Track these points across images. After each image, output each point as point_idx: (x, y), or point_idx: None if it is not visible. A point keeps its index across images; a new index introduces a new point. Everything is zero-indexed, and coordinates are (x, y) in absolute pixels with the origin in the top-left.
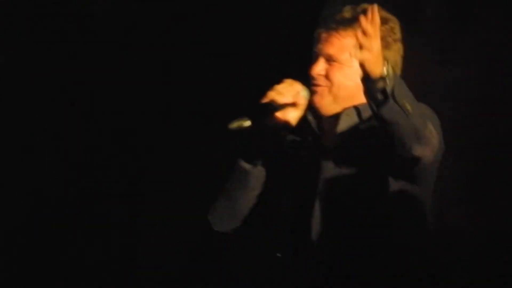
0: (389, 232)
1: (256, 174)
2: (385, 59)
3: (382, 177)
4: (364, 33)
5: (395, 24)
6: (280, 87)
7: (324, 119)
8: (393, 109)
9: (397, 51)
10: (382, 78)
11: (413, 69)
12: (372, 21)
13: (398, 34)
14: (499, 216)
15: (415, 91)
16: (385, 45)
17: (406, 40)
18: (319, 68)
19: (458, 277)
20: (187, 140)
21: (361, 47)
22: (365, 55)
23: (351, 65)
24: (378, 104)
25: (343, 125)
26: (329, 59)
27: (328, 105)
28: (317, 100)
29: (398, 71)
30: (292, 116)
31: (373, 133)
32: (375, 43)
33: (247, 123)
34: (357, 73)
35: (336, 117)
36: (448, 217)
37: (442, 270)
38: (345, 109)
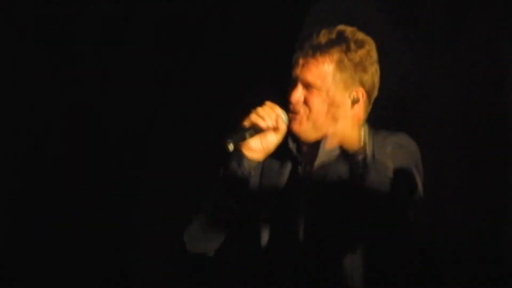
0: (373, 255)
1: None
2: (362, 83)
3: (362, 205)
4: None
5: (371, 46)
6: (261, 111)
7: (304, 145)
8: (378, 173)
9: (374, 73)
10: (360, 151)
11: (410, 70)
12: None
13: (374, 57)
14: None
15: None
16: (362, 68)
17: (404, 41)
18: (298, 94)
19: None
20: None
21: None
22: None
23: (329, 91)
24: (361, 174)
25: (323, 152)
26: (308, 86)
27: (307, 131)
28: (296, 126)
29: (376, 93)
30: (271, 140)
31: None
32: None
33: (231, 146)
34: (336, 100)
35: (316, 144)
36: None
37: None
38: (324, 136)
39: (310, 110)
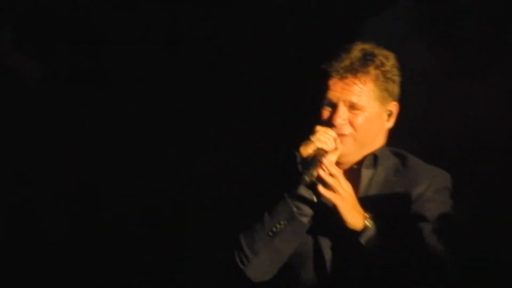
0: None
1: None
2: (394, 96)
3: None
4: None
5: (393, 58)
6: (321, 135)
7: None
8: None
9: (399, 84)
10: (361, 231)
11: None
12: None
13: (397, 68)
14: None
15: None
16: (393, 81)
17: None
18: (343, 116)
19: None
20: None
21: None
22: (336, 200)
23: (372, 111)
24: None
25: (365, 179)
26: (352, 107)
27: (353, 154)
28: (344, 149)
29: (397, 100)
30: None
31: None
32: (342, 189)
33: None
34: (377, 116)
35: (357, 170)
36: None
37: None
38: (364, 159)
39: (356, 131)
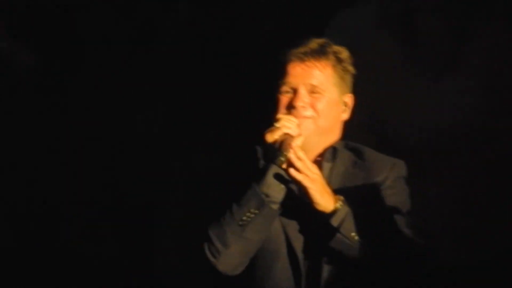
0: None
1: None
2: (349, 87)
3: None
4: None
5: (347, 51)
6: (286, 121)
7: None
8: (340, 242)
9: (352, 76)
10: (332, 213)
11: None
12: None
13: (350, 67)
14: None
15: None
16: (349, 72)
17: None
18: (304, 100)
19: None
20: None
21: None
22: (306, 182)
23: (331, 96)
24: (325, 236)
25: (326, 171)
26: (312, 91)
27: (313, 140)
28: (304, 131)
29: (351, 93)
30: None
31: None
32: (311, 172)
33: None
34: (336, 103)
35: (319, 163)
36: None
37: None
38: (325, 152)
39: (317, 114)
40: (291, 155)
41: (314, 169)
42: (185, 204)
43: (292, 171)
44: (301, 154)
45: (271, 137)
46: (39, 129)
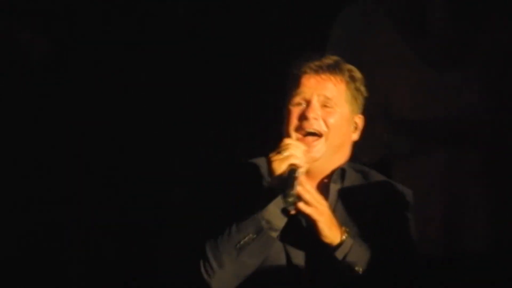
0: None
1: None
2: (360, 109)
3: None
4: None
5: (360, 74)
6: (293, 150)
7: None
8: (343, 274)
9: (364, 98)
10: (338, 246)
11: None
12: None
13: (362, 87)
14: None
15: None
16: (361, 93)
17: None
18: (317, 111)
19: None
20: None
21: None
22: (315, 215)
23: (343, 112)
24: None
25: (333, 193)
26: (325, 104)
27: (323, 160)
28: (315, 153)
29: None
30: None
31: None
32: (319, 204)
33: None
34: (347, 121)
35: (326, 185)
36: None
37: None
38: (333, 173)
39: (329, 129)
40: (300, 188)
41: (322, 200)
42: (185, 204)
43: (301, 205)
44: (308, 186)
45: (279, 168)
46: (38, 129)
